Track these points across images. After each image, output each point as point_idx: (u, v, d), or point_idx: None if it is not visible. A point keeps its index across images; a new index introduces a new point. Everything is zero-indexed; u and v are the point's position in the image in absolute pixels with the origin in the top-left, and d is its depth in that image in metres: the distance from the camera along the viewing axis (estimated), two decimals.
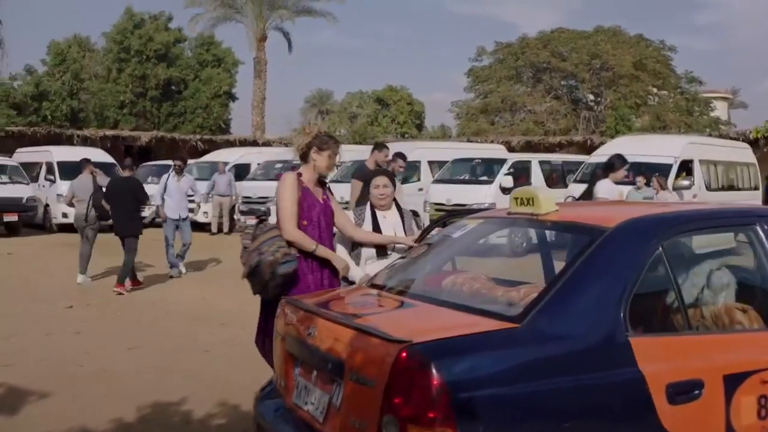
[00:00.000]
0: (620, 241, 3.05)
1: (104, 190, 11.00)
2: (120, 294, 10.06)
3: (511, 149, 24.24)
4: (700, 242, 3.92)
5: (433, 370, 2.50)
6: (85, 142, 27.30)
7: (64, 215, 18.99)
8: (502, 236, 4.14)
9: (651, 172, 13.47)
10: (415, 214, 17.01)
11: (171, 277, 11.68)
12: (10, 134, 27.13)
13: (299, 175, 4.54)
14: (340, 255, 4.64)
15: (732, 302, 3.47)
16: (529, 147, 27.24)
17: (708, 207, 3.89)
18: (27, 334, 7.69)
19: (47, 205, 19.59)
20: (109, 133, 29.93)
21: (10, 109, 30.02)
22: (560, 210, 3.47)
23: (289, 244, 4.35)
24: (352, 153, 21.59)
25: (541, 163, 17.69)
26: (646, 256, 3.01)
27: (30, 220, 18.97)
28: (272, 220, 4.74)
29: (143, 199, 10.77)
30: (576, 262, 2.99)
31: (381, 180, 4.99)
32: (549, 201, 3.43)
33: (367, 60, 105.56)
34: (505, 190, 14.79)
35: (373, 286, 3.67)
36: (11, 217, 18.16)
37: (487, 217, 3.89)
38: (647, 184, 12.73)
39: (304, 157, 4.55)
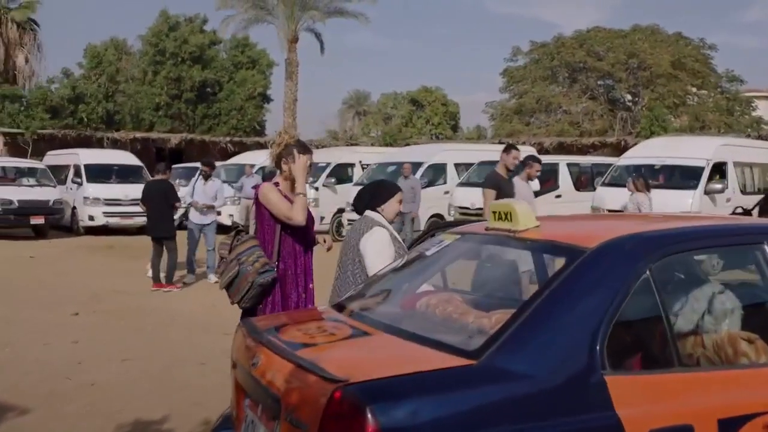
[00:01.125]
0: (600, 263, 2.69)
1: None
2: (168, 291, 10.80)
3: (543, 151, 23.70)
4: None
5: (368, 416, 2.17)
6: (116, 144, 27.48)
7: (91, 218, 19.12)
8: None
9: (682, 175, 12.91)
10: (439, 218, 16.33)
11: (184, 283, 11.53)
12: (41, 137, 27.45)
13: (276, 184, 4.48)
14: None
15: (736, 331, 3.07)
16: (561, 148, 26.64)
17: (708, 223, 3.46)
18: (24, 342, 7.52)
19: (74, 208, 19.64)
20: (140, 135, 30.14)
21: (46, 112, 30.34)
22: (541, 226, 3.11)
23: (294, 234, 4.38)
24: (380, 156, 21.24)
25: (570, 165, 17.17)
26: (631, 281, 2.63)
27: (57, 223, 19.01)
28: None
29: (174, 201, 11.21)
30: (548, 287, 2.64)
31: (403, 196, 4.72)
32: (527, 216, 3.08)
33: (401, 60, 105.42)
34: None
35: (338, 307, 3.35)
36: (38, 220, 18.23)
37: (464, 232, 3.54)
38: (638, 190, 11.35)
39: (278, 166, 4.51)
